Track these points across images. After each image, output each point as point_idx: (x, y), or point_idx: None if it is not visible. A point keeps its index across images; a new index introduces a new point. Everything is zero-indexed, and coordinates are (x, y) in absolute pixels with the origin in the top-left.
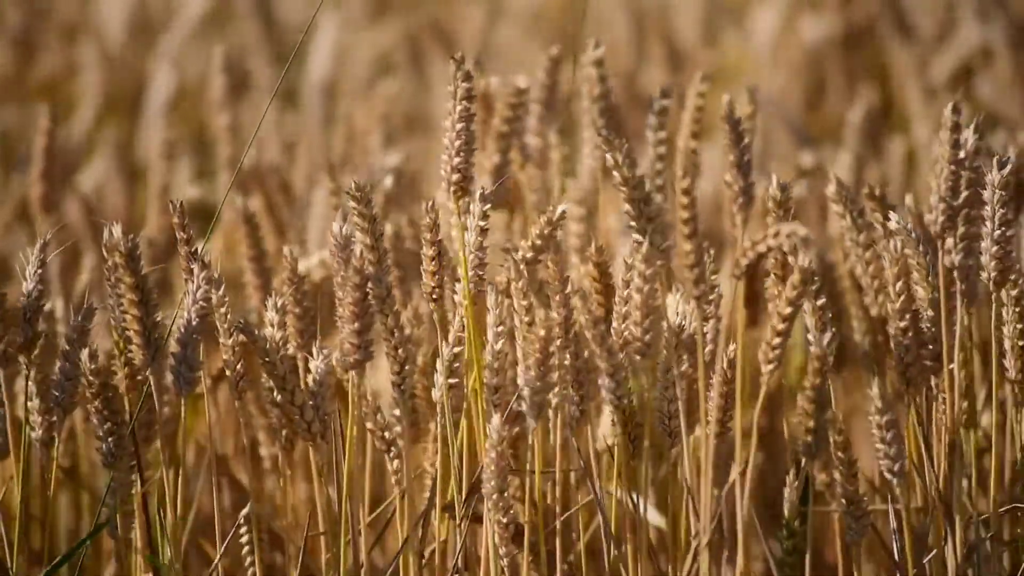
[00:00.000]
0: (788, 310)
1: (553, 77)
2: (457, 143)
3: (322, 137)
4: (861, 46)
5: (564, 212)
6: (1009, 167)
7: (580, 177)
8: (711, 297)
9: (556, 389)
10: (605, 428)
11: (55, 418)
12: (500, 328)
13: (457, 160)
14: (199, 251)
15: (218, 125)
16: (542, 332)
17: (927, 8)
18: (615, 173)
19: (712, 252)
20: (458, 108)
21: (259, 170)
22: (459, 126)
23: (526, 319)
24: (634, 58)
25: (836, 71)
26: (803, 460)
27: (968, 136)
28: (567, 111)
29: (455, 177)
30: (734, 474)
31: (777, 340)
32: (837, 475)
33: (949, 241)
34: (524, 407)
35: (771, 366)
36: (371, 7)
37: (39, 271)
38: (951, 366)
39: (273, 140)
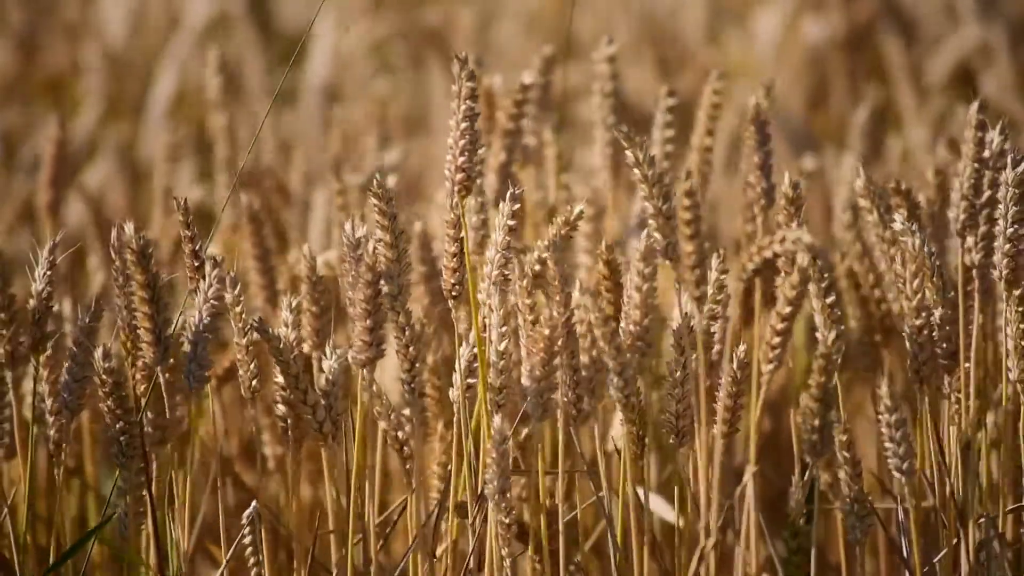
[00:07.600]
0: (787, 309)
1: (547, 76)
2: (461, 142)
3: (319, 138)
4: (863, 46)
5: (582, 212)
6: None
7: (587, 176)
8: (719, 298)
9: (560, 389)
10: (616, 430)
11: (64, 420)
12: (504, 328)
13: (461, 159)
14: (202, 251)
15: (215, 127)
16: (547, 331)
17: (927, 8)
18: (635, 171)
19: (722, 252)
20: (462, 107)
21: (256, 171)
22: (463, 125)
23: (530, 318)
24: (636, 59)
25: (838, 72)
26: (808, 460)
27: (994, 136)
28: (562, 109)
29: (459, 176)
30: (748, 476)
31: (777, 339)
32: (841, 474)
33: (969, 240)
34: (529, 407)
35: (771, 365)
36: (368, 6)
37: (48, 272)
38: (966, 365)
39: (270, 142)
